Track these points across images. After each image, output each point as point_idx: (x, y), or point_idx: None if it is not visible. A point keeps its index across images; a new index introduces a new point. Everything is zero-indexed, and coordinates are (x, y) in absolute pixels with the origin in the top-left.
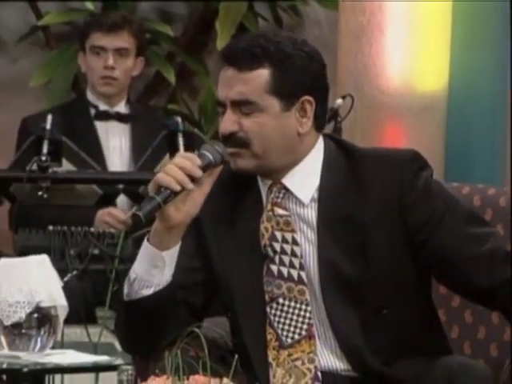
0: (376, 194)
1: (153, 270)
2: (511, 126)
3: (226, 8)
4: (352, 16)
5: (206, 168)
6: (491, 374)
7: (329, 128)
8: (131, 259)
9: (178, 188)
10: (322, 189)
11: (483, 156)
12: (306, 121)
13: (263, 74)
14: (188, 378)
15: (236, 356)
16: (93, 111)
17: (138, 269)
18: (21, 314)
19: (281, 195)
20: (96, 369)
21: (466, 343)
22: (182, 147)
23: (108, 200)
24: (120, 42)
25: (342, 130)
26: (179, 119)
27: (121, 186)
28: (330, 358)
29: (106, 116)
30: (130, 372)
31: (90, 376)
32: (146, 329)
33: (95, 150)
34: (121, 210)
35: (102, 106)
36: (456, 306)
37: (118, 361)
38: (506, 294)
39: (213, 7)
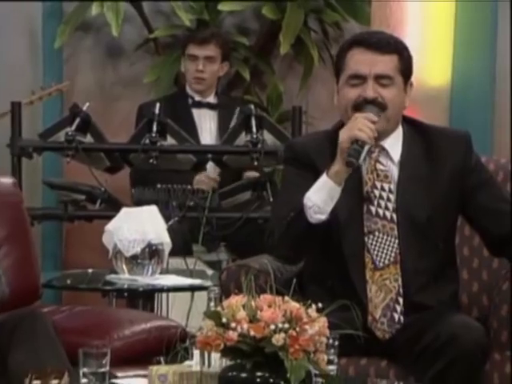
0: (446, 161)
1: (329, 200)
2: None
3: (287, 24)
4: (379, 29)
5: None
6: (484, 330)
7: None
8: (217, 209)
9: (370, 143)
10: (403, 152)
11: (477, 134)
12: (407, 99)
13: (395, 58)
14: (259, 296)
15: (294, 280)
16: (190, 101)
17: (314, 199)
18: (137, 249)
19: (380, 154)
20: (192, 289)
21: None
22: (254, 127)
23: (200, 166)
24: (208, 51)
25: None
26: (252, 106)
27: (209, 156)
28: None
29: (199, 105)
30: (216, 291)
31: (187, 294)
32: (310, 244)
33: (191, 129)
34: (212, 174)
35: (197, 98)
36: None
37: (208, 283)
38: None
39: (277, 23)
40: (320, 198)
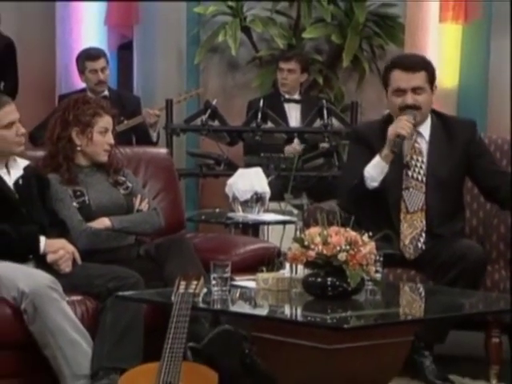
0: (460, 138)
1: (380, 173)
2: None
3: (348, 46)
4: (410, 50)
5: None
6: (483, 250)
7: None
8: (300, 169)
9: (408, 137)
10: (431, 133)
11: (476, 120)
12: (433, 96)
13: (424, 73)
14: (329, 228)
15: (353, 217)
16: (282, 98)
17: (371, 172)
18: (248, 196)
19: (418, 136)
20: (284, 222)
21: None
22: (325, 115)
23: (289, 141)
24: (289, 66)
25: None
26: (324, 101)
27: (295, 134)
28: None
29: (289, 100)
30: (301, 224)
31: (281, 226)
32: (365, 201)
33: (283, 117)
34: (297, 147)
35: (287, 95)
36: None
37: (294, 218)
38: (505, 193)
39: (341, 46)
40: (375, 171)
